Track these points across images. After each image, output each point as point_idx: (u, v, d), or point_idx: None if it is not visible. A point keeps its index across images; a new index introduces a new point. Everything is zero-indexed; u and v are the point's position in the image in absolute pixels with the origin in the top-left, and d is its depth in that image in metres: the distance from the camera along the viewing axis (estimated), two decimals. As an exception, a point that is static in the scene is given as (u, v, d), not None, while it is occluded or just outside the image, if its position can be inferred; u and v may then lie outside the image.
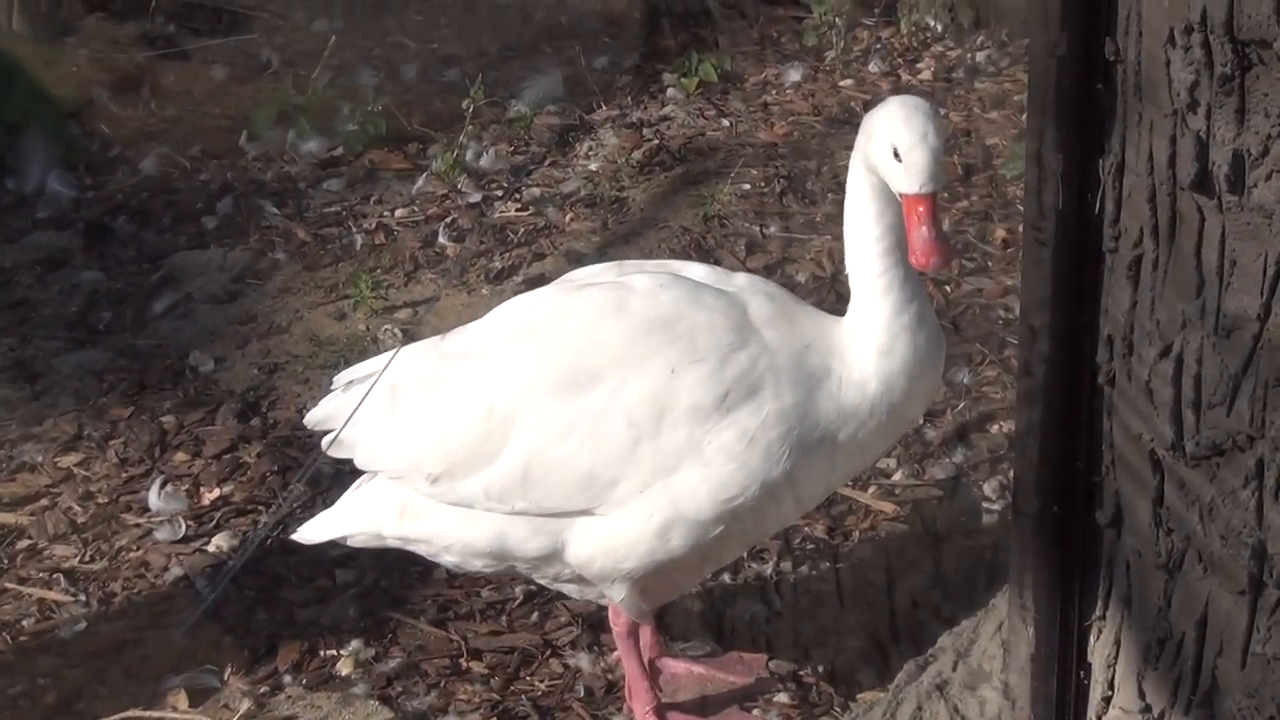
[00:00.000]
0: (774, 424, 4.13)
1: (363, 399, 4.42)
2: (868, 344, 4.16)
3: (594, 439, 4.18)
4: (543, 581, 4.55)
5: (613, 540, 4.23)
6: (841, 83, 7.79)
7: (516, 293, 6.30)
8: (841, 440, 4.21)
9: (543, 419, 4.23)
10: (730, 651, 4.86)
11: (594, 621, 4.78)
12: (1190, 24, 2.89)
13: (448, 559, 4.46)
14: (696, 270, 4.47)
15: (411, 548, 4.50)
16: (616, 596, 4.39)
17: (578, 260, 6.50)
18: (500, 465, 4.25)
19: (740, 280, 4.41)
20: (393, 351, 4.54)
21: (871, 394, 4.18)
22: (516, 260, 6.57)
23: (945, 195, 6.79)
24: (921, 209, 4.04)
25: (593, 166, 7.22)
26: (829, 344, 4.21)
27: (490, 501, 4.27)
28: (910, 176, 4.05)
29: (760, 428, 4.12)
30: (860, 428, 4.22)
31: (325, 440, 4.53)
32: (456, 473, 4.29)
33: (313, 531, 4.59)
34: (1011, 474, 4.36)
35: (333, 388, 4.63)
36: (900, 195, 4.07)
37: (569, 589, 4.51)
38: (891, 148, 4.04)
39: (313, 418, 4.59)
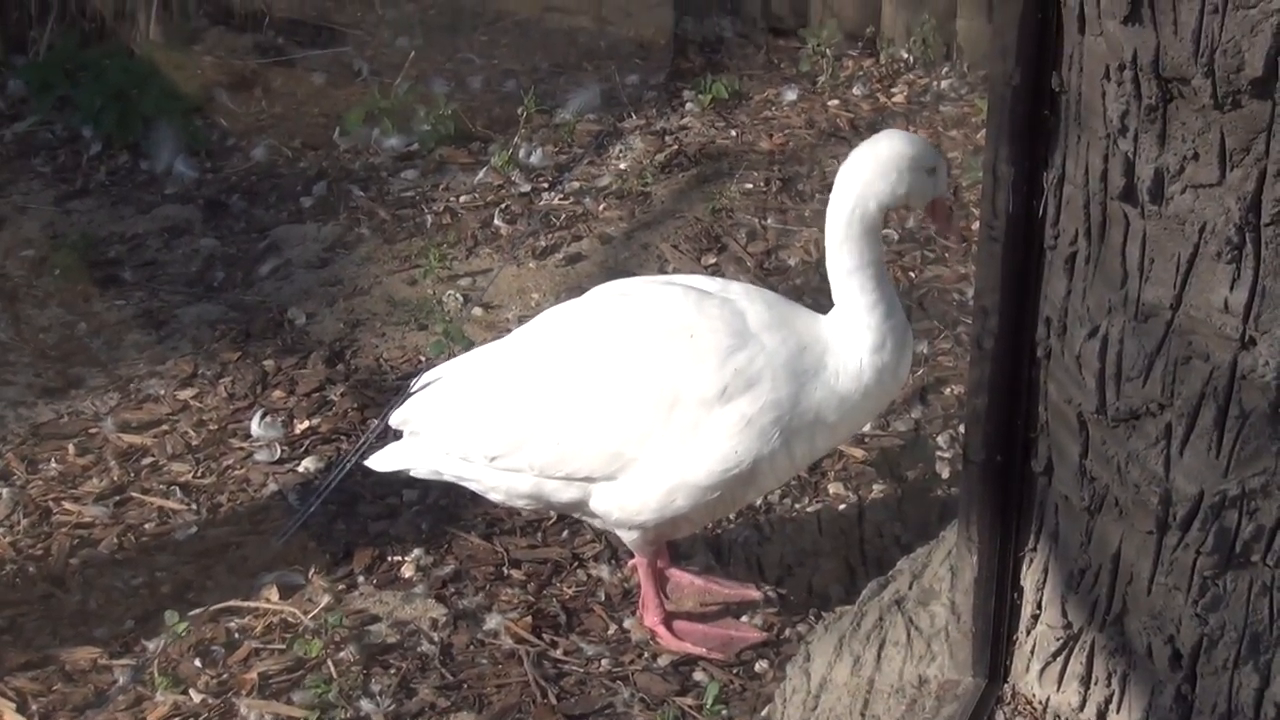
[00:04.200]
0: (769, 410, 4.16)
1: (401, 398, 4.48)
2: (861, 344, 4.21)
3: (618, 426, 4.22)
4: (573, 516, 4.58)
5: (629, 499, 4.27)
6: (829, 103, 7.76)
7: (558, 267, 6.32)
8: (831, 421, 4.24)
9: (576, 411, 4.27)
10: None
11: (614, 539, 4.78)
12: (1123, 63, 2.88)
13: (494, 496, 4.49)
14: (701, 281, 4.48)
15: (464, 484, 4.52)
16: (629, 539, 4.43)
17: (609, 241, 6.50)
18: (542, 447, 4.29)
19: (738, 289, 4.42)
20: (439, 368, 4.65)
21: (866, 381, 4.22)
22: (558, 240, 6.55)
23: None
24: (948, 201, 4.42)
25: (623, 165, 7.20)
26: (824, 343, 4.23)
27: (533, 471, 4.31)
28: (943, 182, 4.31)
29: (758, 413, 4.15)
30: (853, 409, 4.26)
31: (402, 429, 4.60)
32: (508, 453, 4.34)
33: (383, 461, 4.61)
34: (962, 428, 4.36)
35: (412, 389, 4.64)
36: (931, 200, 4.33)
37: (594, 523, 4.52)
38: (928, 167, 4.23)
39: (397, 419, 4.60)
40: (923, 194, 4.28)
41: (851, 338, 4.22)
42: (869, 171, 4.19)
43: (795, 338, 4.24)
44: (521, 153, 7.21)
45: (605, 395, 4.24)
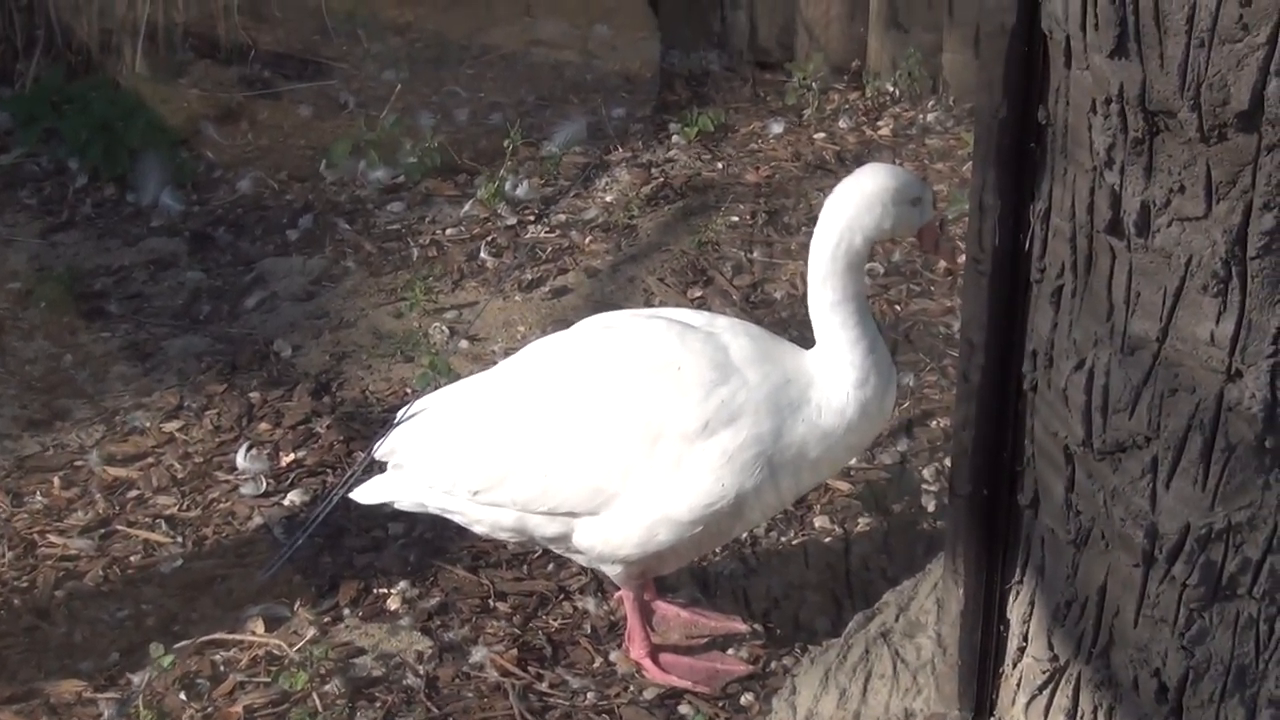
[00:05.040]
0: (750, 445, 4.14)
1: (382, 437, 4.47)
2: (845, 380, 4.20)
3: (600, 461, 4.21)
4: (557, 551, 4.56)
5: (611, 534, 4.26)
6: (815, 136, 7.77)
7: (544, 300, 6.32)
8: (814, 456, 4.22)
9: (559, 445, 4.26)
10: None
11: (600, 572, 4.77)
12: (1110, 96, 2.88)
13: (478, 529, 4.48)
14: (686, 315, 4.47)
15: (448, 517, 4.51)
16: (612, 574, 4.42)
17: (594, 274, 6.50)
18: (525, 482, 4.28)
19: (723, 323, 4.41)
20: (430, 394, 4.66)
21: (850, 417, 4.21)
22: (544, 273, 6.55)
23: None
24: (937, 225, 4.36)
25: (609, 198, 7.20)
26: (807, 377, 4.23)
27: (516, 506, 4.31)
28: (929, 210, 4.31)
29: (738, 448, 4.13)
30: (836, 445, 4.24)
31: (387, 461, 4.60)
32: (491, 487, 4.33)
33: (368, 494, 4.60)
34: (948, 461, 4.36)
35: (398, 421, 4.63)
36: (919, 228, 4.34)
37: (579, 559, 4.50)
38: (912, 198, 4.23)
39: (382, 451, 4.59)
40: (908, 225, 4.29)
41: (835, 373, 4.22)
42: (854, 206, 4.19)
43: (779, 372, 4.24)
44: (508, 185, 7.21)
45: (588, 429, 4.24)
